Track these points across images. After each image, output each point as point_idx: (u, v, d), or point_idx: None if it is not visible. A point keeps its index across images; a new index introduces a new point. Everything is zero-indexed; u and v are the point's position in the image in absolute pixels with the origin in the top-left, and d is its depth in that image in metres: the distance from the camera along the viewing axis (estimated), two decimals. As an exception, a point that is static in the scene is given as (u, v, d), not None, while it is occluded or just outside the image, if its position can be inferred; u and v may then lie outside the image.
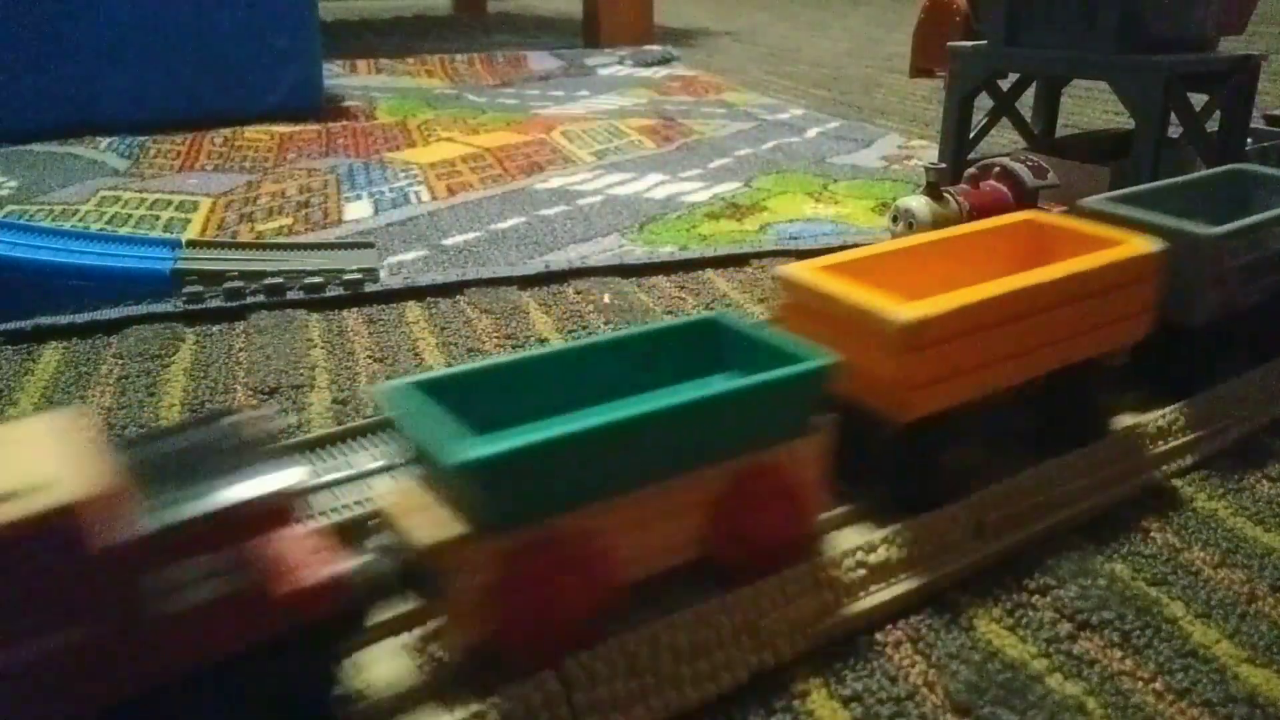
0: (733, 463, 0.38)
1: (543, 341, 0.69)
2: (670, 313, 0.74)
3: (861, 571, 0.41)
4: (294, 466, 0.31)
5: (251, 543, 0.30)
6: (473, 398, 0.39)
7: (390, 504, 0.36)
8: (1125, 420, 0.52)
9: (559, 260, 0.86)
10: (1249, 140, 0.94)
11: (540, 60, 2.20)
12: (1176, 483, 0.50)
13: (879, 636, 0.40)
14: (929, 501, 0.44)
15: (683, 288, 0.80)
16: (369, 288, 0.78)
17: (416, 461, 0.38)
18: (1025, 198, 0.79)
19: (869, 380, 0.41)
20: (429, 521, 0.34)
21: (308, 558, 0.31)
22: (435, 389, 0.38)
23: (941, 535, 0.43)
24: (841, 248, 0.88)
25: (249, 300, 0.75)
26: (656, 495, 0.37)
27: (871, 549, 0.42)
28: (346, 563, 0.32)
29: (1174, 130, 0.88)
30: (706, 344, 0.44)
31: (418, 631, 0.38)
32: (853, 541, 0.42)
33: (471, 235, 0.95)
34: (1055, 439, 0.49)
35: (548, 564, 0.35)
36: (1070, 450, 0.48)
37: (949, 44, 1.01)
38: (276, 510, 0.30)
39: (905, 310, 0.41)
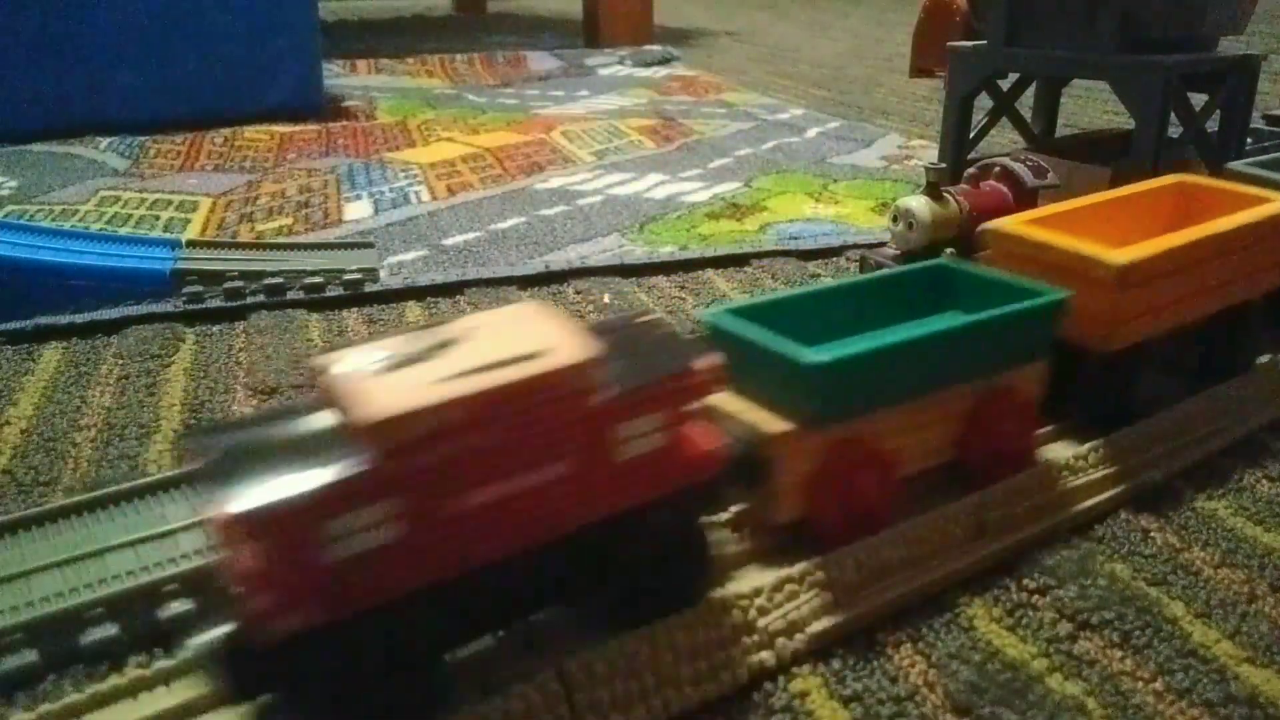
0: (984, 381, 0.46)
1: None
2: (670, 313, 0.74)
3: (862, 571, 0.41)
4: (710, 352, 0.37)
5: (679, 408, 0.36)
6: (763, 323, 0.44)
7: (718, 405, 0.42)
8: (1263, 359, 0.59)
9: (559, 260, 0.86)
10: (1249, 140, 0.94)
11: (540, 60, 2.20)
12: (1176, 483, 0.50)
13: (879, 636, 0.40)
14: (1125, 420, 0.51)
15: (683, 287, 0.80)
16: (369, 288, 0.78)
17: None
18: (1025, 198, 0.79)
19: (1078, 315, 0.47)
20: (759, 419, 0.41)
21: (701, 429, 0.38)
22: (741, 314, 0.45)
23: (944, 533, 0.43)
24: (843, 248, 0.89)
25: (249, 300, 0.75)
26: (931, 405, 0.44)
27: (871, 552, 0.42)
28: (723, 438, 0.38)
29: (1174, 130, 0.88)
30: (933, 286, 0.52)
31: (731, 510, 0.43)
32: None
33: (471, 235, 0.95)
34: (1211, 371, 0.56)
35: (853, 457, 0.42)
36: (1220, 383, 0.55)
37: (949, 44, 1.01)
38: (701, 384, 0.37)
39: (1121, 254, 0.48)
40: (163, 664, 0.36)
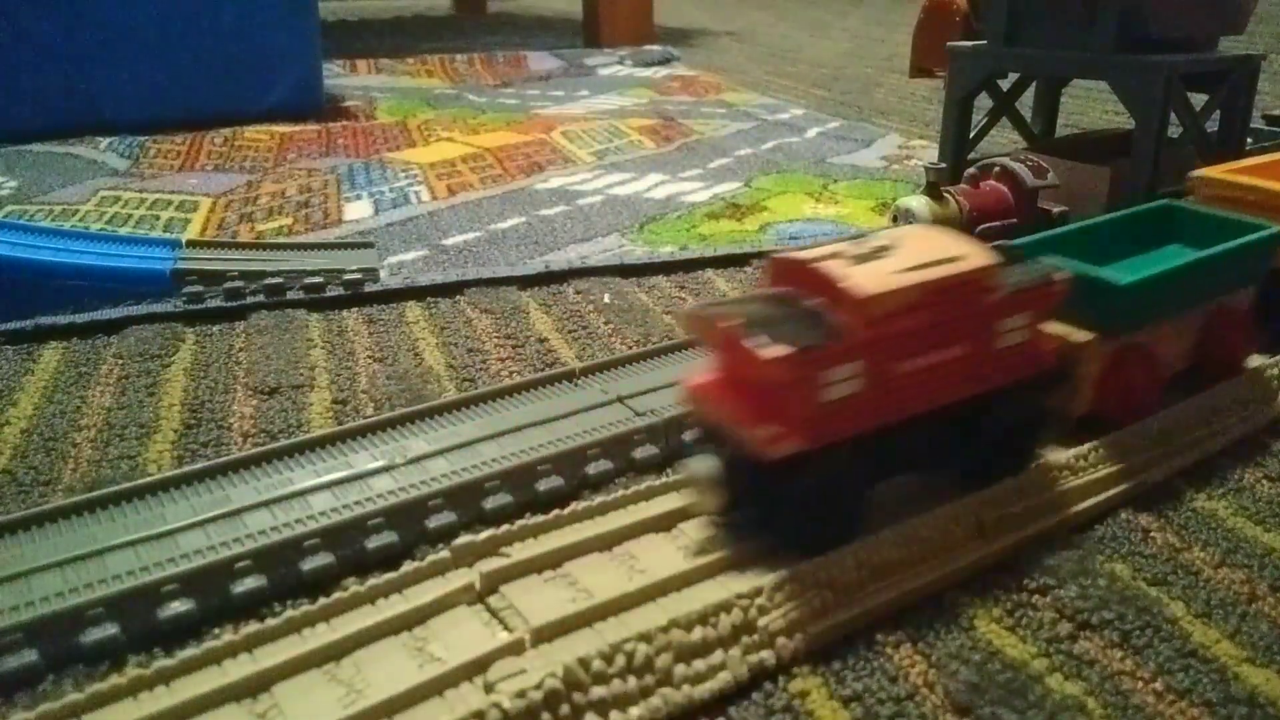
0: (1219, 300, 0.56)
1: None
2: (670, 313, 0.74)
3: (862, 570, 0.41)
4: (1062, 270, 0.46)
5: (1039, 311, 0.46)
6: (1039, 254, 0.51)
7: None
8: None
9: (559, 260, 0.86)
10: (1249, 140, 0.94)
11: (540, 60, 2.20)
12: (1176, 483, 0.50)
13: (879, 636, 0.40)
14: None
15: (683, 287, 0.80)
16: (369, 288, 0.78)
17: None
18: (1025, 198, 0.79)
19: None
20: (1063, 331, 0.50)
21: (1044, 331, 0.47)
22: (1030, 247, 0.53)
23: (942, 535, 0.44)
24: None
25: (249, 300, 0.75)
26: (1182, 321, 0.55)
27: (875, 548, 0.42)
28: (1062, 338, 0.49)
29: (1174, 130, 0.88)
30: (1158, 224, 0.62)
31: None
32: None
33: (471, 235, 0.95)
34: None
35: (1130, 361, 0.52)
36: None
37: (949, 44, 1.01)
38: (1058, 292, 0.46)
39: None
40: (163, 664, 0.36)
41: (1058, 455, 0.48)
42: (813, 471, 0.41)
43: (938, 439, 0.45)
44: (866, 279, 0.40)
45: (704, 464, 0.42)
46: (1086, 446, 0.49)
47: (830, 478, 0.41)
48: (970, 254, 0.43)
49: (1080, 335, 0.50)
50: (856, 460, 0.42)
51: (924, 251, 0.42)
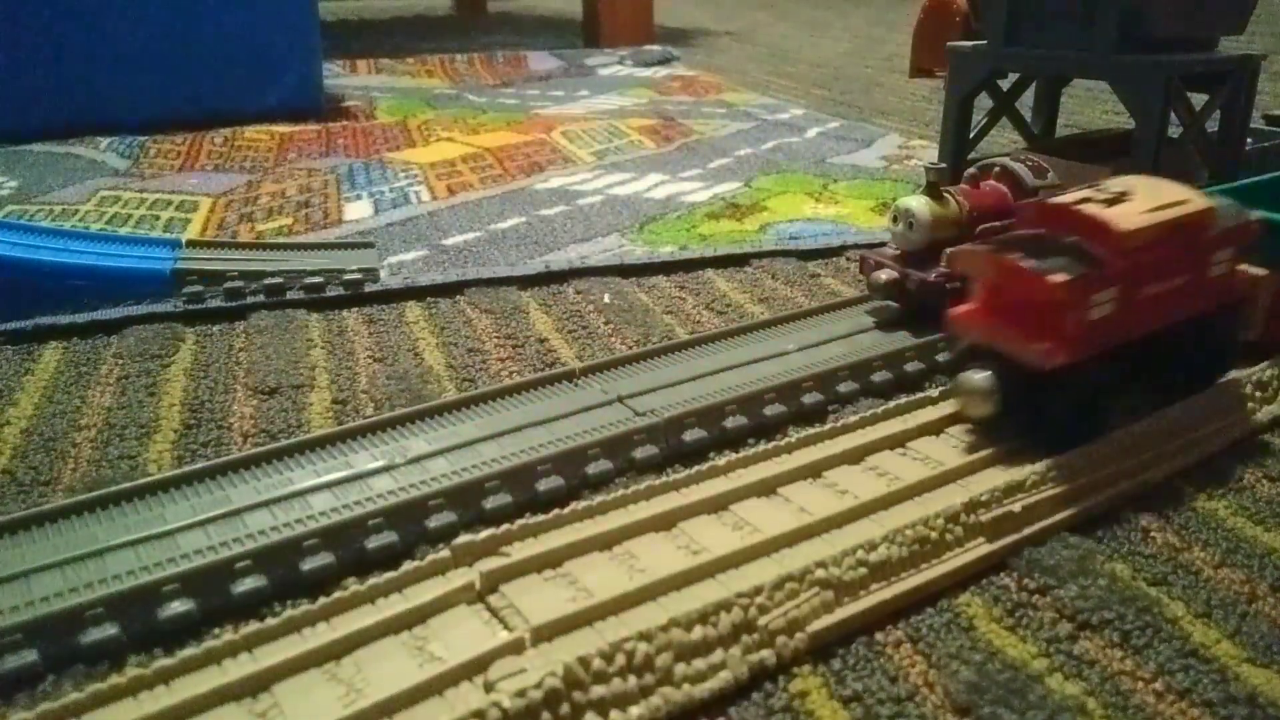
0: None
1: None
2: (670, 313, 0.74)
3: (862, 570, 0.41)
4: (1254, 211, 0.55)
5: (1239, 247, 0.54)
6: None
7: None
8: None
9: (559, 260, 0.86)
10: (1249, 140, 0.94)
11: (540, 60, 2.20)
12: (1176, 483, 0.50)
13: (879, 636, 0.40)
14: None
15: (683, 287, 0.80)
16: (369, 288, 0.78)
17: None
18: (1025, 198, 0.79)
19: None
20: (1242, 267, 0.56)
21: (1235, 265, 0.54)
22: None
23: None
24: (843, 248, 0.89)
25: (249, 300, 0.75)
26: None
27: (872, 547, 0.42)
28: (1247, 271, 0.55)
29: (1174, 130, 0.88)
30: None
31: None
32: (855, 539, 0.42)
33: (471, 235, 0.95)
34: None
35: None
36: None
37: (949, 44, 1.01)
38: (1254, 231, 0.54)
39: None
40: (163, 664, 0.36)
41: (1240, 373, 0.57)
42: (1075, 380, 0.48)
43: (1157, 356, 0.53)
44: (1122, 217, 0.48)
45: (979, 376, 0.49)
46: (1085, 446, 0.49)
47: (1087, 385, 0.49)
48: (1192, 198, 0.51)
49: (1257, 270, 0.56)
50: (1106, 370, 0.50)
51: (1157, 195, 0.51)
